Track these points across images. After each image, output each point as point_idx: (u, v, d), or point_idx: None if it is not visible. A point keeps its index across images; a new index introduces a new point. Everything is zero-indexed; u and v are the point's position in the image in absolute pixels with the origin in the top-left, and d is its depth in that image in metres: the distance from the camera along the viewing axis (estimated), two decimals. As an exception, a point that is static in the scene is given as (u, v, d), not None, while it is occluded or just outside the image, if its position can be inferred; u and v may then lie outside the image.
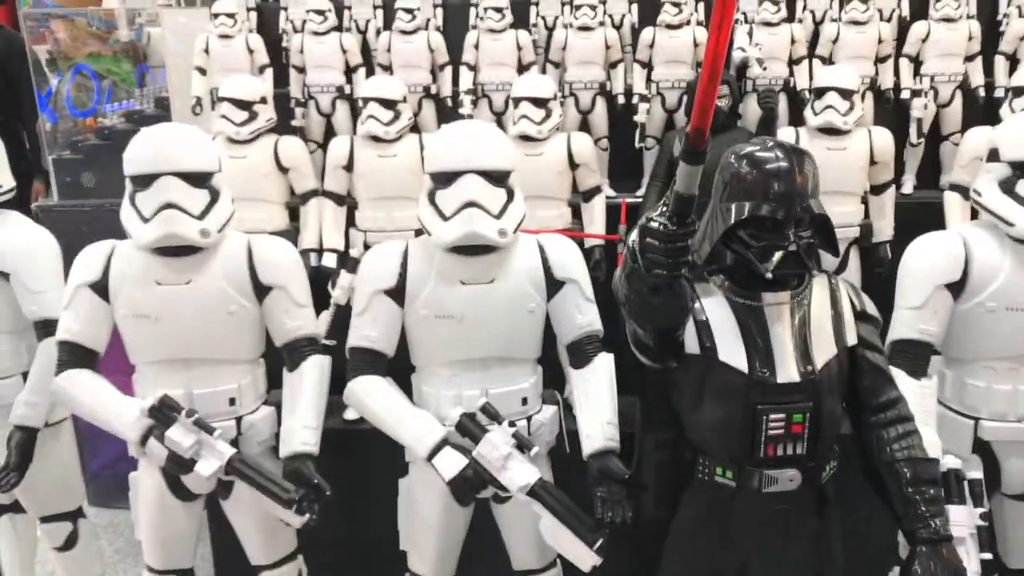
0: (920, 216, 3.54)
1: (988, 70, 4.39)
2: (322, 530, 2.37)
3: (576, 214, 3.84)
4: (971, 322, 2.41)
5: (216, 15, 4.44)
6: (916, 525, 1.95)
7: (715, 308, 2.02)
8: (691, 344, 2.00)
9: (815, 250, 1.99)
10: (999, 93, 4.20)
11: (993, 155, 2.47)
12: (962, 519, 2.10)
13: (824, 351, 2.02)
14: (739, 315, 2.00)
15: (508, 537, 2.54)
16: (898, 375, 2.36)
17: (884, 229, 3.79)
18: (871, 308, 2.17)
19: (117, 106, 5.49)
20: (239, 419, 2.50)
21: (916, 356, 2.39)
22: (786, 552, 2.08)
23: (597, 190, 3.77)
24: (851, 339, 2.07)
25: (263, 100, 3.83)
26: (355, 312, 2.45)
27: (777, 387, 1.96)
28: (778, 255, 1.89)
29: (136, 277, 2.37)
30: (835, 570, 2.19)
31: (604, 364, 2.40)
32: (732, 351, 1.97)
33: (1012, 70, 4.26)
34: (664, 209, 1.49)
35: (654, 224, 1.50)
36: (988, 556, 2.14)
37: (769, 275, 1.90)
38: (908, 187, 4.34)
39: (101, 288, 2.40)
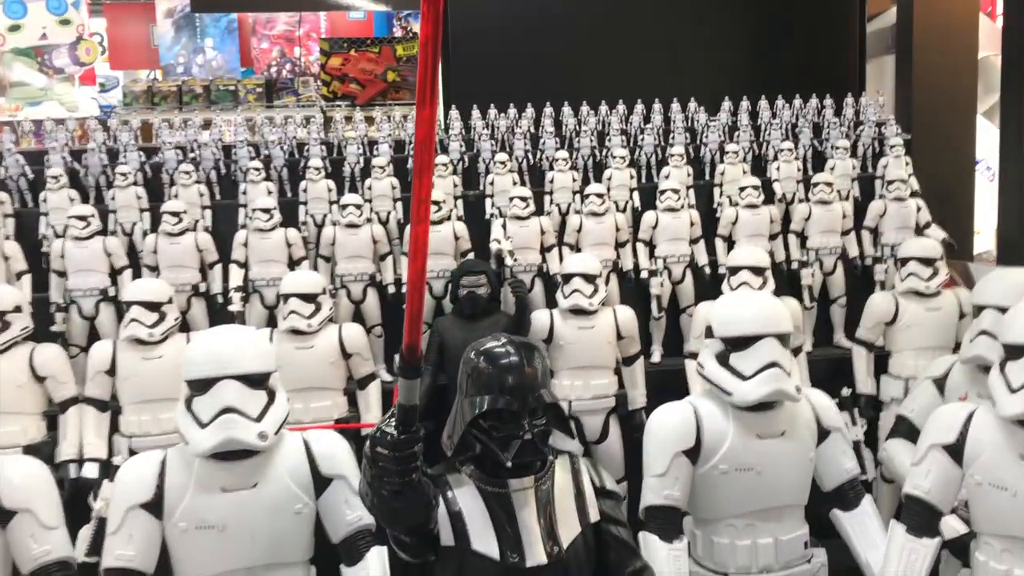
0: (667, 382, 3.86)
1: (710, 250, 4.96)
2: None
3: (353, 402, 3.87)
4: (709, 484, 2.56)
5: (-35, 226, 4.25)
6: None
7: (467, 498, 2.05)
8: (446, 536, 2.01)
9: (548, 436, 2.08)
10: (721, 270, 4.70)
11: (709, 331, 2.74)
12: None
13: (569, 530, 2.07)
14: (489, 503, 2.04)
15: None
16: (651, 539, 2.48)
17: (638, 398, 4.06)
18: (610, 483, 2.26)
19: None
20: None
21: (665, 520, 2.51)
22: None
23: (372, 377, 3.83)
24: (594, 515, 2.14)
25: (17, 309, 3.64)
26: (109, 531, 2.28)
27: (527, 571, 1.98)
28: (516, 444, 1.98)
29: None
30: None
31: (376, 559, 2.37)
32: (484, 540, 1.99)
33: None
34: (390, 420, 1.57)
35: (381, 435, 1.58)
36: None
37: (509, 463, 1.99)
38: (807, 345, 4.61)
39: None
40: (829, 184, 4.87)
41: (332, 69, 10.55)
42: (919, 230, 4.92)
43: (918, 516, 2.41)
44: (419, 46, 1.29)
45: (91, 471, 3.54)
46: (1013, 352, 2.32)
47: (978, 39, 6.31)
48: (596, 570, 2.15)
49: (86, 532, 3.14)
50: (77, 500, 3.48)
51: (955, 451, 2.37)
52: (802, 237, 4.90)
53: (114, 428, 3.67)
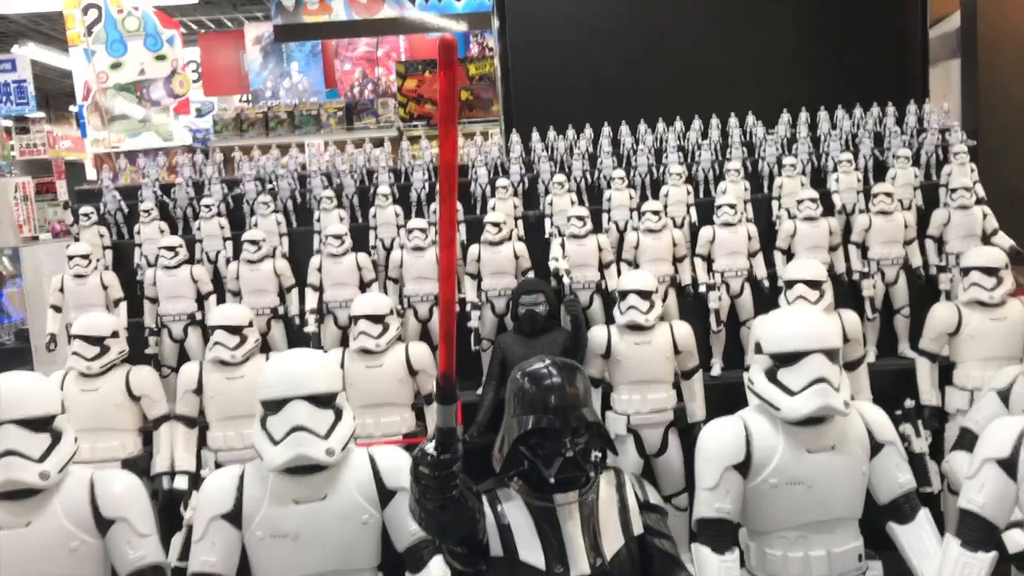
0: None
1: (769, 263, 4.91)
2: None
3: (421, 417, 4.01)
4: (760, 497, 2.58)
5: (71, 257, 4.53)
6: None
7: (515, 512, 2.15)
8: (495, 547, 2.11)
9: (590, 453, 2.16)
10: (780, 283, 4.64)
11: (758, 347, 2.74)
12: None
13: (613, 542, 2.15)
14: (535, 516, 2.13)
15: None
16: (702, 551, 2.52)
17: (697, 411, 4.09)
18: (655, 498, 2.33)
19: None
20: None
21: (717, 532, 2.54)
22: None
23: (438, 393, 3.97)
24: (637, 528, 2.22)
25: (115, 334, 3.91)
26: (194, 539, 2.45)
27: None
28: (559, 460, 2.07)
29: None
30: None
31: (438, 567, 2.44)
32: (530, 551, 2.09)
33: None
34: (431, 441, 1.69)
35: (422, 455, 1.70)
36: None
37: (552, 479, 2.09)
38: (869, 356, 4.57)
39: None
40: (889, 194, 4.79)
41: (408, 91, 10.84)
42: (986, 238, 4.78)
43: (973, 531, 2.36)
44: (439, 78, 1.38)
45: (182, 483, 3.76)
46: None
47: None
48: (642, 581, 2.23)
49: (178, 539, 3.35)
50: (169, 509, 3.70)
51: (1009, 466, 2.32)
52: (863, 248, 4.83)
53: (202, 443, 3.89)
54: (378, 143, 6.02)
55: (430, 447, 1.72)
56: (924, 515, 2.67)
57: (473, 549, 2.10)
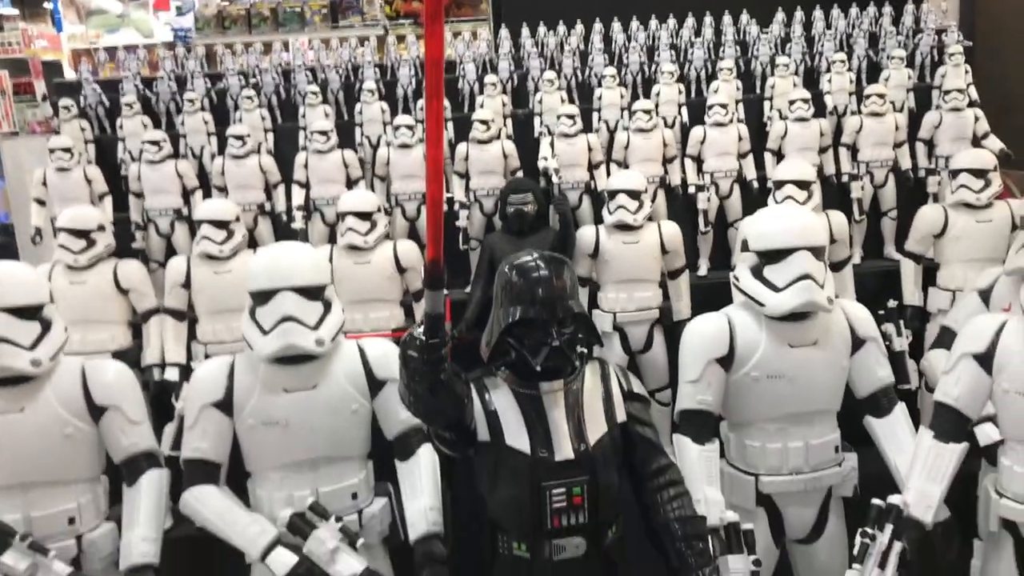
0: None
1: (759, 164, 4.90)
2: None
3: (410, 313, 4.02)
4: (741, 390, 2.62)
5: (52, 150, 4.43)
6: (688, 575, 2.14)
7: (502, 399, 2.18)
8: (483, 432, 2.15)
9: (576, 343, 2.18)
10: (770, 185, 4.67)
11: (745, 245, 2.74)
12: (738, 566, 2.24)
13: (596, 429, 2.19)
14: (521, 404, 2.16)
15: None
16: (683, 441, 2.56)
17: (682, 309, 4.11)
18: (638, 387, 2.36)
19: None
20: (79, 537, 2.46)
21: (699, 424, 2.57)
22: None
23: (425, 290, 3.98)
24: (620, 416, 2.25)
25: (101, 228, 3.85)
26: (186, 426, 2.47)
27: (556, 464, 2.11)
28: (545, 350, 2.10)
29: None
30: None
31: (427, 454, 2.50)
32: (516, 436, 2.13)
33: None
34: (419, 326, 1.69)
35: (411, 339, 1.70)
36: None
37: (538, 367, 2.10)
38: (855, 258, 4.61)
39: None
40: (881, 96, 4.72)
41: (395, -13, 10.46)
42: (976, 141, 4.75)
43: (946, 422, 2.42)
44: None
45: (172, 374, 3.77)
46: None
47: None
48: (622, 466, 2.27)
49: (170, 429, 3.40)
50: (160, 401, 3.74)
51: (985, 360, 2.37)
52: (853, 150, 4.78)
53: (191, 336, 3.90)
54: (363, 41, 5.86)
55: (418, 331, 1.73)
56: (900, 409, 2.73)
57: (461, 434, 2.13)
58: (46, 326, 2.44)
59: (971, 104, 4.86)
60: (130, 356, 3.86)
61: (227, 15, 10.40)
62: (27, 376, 2.37)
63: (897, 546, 2.22)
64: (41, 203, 4.50)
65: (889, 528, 2.24)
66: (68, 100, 4.86)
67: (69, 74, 12.74)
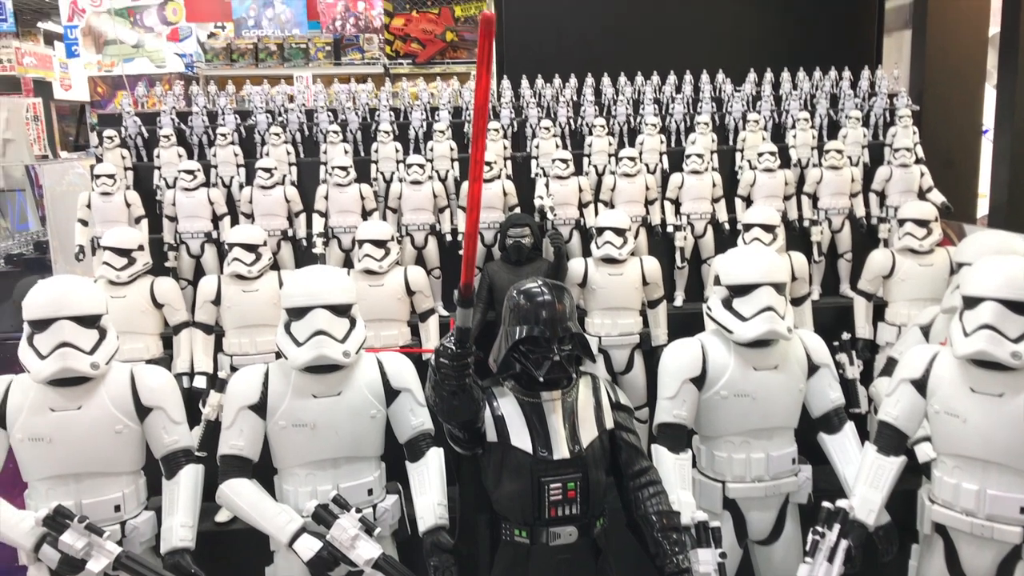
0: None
1: (730, 208, 5.07)
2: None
3: (416, 332, 4.15)
4: (712, 407, 2.79)
5: (97, 176, 4.54)
6: (665, 561, 2.27)
7: (508, 405, 2.33)
8: (491, 434, 2.30)
9: (574, 359, 2.35)
10: (739, 227, 4.78)
11: (716, 280, 2.93)
12: (707, 558, 2.39)
13: (589, 433, 2.34)
14: (525, 410, 2.32)
15: None
16: (661, 451, 2.71)
17: (660, 336, 4.25)
18: (624, 399, 2.52)
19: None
20: (123, 523, 2.58)
21: (674, 436, 2.74)
22: None
23: (431, 312, 4.10)
24: (609, 424, 2.41)
25: (140, 248, 3.97)
26: (224, 426, 2.61)
27: (554, 463, 2.27)
28: (547, 363, 2.26)
29: (32, 406, 2.45)
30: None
31: (435, 456, 2.64)
32: (520, 437, 2.28)
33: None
34: (450, 337, 1.86)
35: (443, 348, 1.87)
36: None
37: (541, 379, 2.27)
38: (814, 294, 4.74)
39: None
40: (840, 151, 4.93)
41: (395, 29, 10.57)
42: (921, 194, 4.95)
43: (888, 439, 2.59)
44: (479, 44, 1.46)
45: (200, 382, 3.85)
46: (968, 303, 2.47)
47: (989, 15, 6.22)
48: (610, 467, 2.43)
49: (196, 432, 3.50)
50: (188, 406, 3.82)
51: (920, 385, 2.54)
52: (814, 198, 4.97)
53: (218, 348, 4.00)
54: (361, 79, 6.02)
55: (450, 342, 1.90)
56: (849, 427, 2.90)
57: (472, 435, 2.29)
58: (103, 334, 2.58)
59: (918, 161, 5.07)
60: (161, 365, 3.93)
61: (235, 48, 10.51)
62: (86, 377, 2.50)
63: (844, 544, 2.38)
64: (84, 223, 4.61)
65: (837, 528, 2.40)
66: (111, 131, 4.97)
67: (59, 93, 12.75)
